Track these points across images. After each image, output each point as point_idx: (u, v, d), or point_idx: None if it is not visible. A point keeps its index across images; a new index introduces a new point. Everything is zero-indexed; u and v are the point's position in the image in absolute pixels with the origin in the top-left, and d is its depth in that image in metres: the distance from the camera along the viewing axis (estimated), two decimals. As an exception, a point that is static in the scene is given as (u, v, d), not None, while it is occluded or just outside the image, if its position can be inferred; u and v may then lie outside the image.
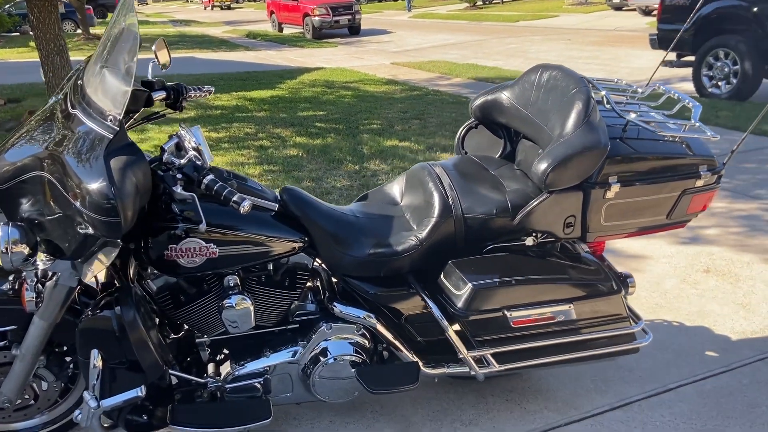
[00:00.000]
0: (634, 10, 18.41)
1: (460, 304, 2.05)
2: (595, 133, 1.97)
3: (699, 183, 2.09)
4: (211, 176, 1.80)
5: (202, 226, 1.83)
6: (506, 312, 2.06)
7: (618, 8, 19.60)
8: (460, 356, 2.13)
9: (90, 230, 1.68)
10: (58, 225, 1.78)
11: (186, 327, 2.21)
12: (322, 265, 2.25)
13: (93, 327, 1.93)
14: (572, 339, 2.15)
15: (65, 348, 2.14)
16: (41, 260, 1.87)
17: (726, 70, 7.70)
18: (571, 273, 2.13)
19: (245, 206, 1.76)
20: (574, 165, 1.94)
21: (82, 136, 1.73)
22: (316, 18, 17.58)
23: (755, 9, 7.30)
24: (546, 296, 2.09)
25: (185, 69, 10.78)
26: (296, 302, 2.24)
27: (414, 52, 13.82)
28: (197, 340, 2.18)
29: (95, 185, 1.62)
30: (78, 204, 1.66)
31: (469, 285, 2.04)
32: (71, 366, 2.17)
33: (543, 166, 1.95)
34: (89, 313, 1.96)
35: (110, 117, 1.70)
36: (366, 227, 2.19)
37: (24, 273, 1.93)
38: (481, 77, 10.00)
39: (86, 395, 1.88)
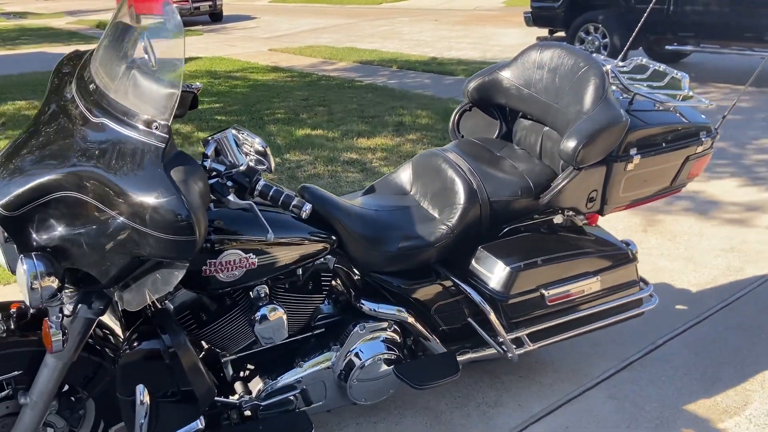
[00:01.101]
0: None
1: (499, 287, 2.04)
2: (615, 108, 2.03)
3: (699, 149, 2.22)
4: (263, 181, 1.63)
5: (270, 236, 1.66)
6: (543, 290, 2.09)
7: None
8: (500, 339, 2.12)
9: (147, 251, 1.47)
10: (93, 250, 1.54)
11: (207, 346, 2.01)
12: (343, 264, 2.15)
13: (138, 360, 1.71)
14: (597, 309, 2.22)
15: (66, 387, 1.88)
16: (66, 293, 1.61)
17: (596, 43, 8.27)
18: (592, 246, 2.20)
19: (306, 210, 1.62)
20: (601, 140, 1.98)
21: (122, 148, 1.50)
22: (174, 5, 16.59)
23: (619, -16, 7.90)
24: (577, 270, 2.14)
25: (40, 66, 9.75)
26: (320, 305, 2.12)
27: (287, 38, 13.51)
28: (223, 359, 2.00)
29: (161, 201, 1.41)
30: (137, 224, 1.44)
31: (508, 268, 2.03)
32: (79, 408, 1.90)
33: (573, 143, 1.98)
34: (127, 346, 1.72)
35: (156, 124, 1.49)
36: (390, 221, 2.11)
37: (45, 308, 1.68)
38: (365, 60, 10.00)
39: None
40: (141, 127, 1.50)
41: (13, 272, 1.62)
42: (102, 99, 1.58)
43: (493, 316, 2.07)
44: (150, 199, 1.41)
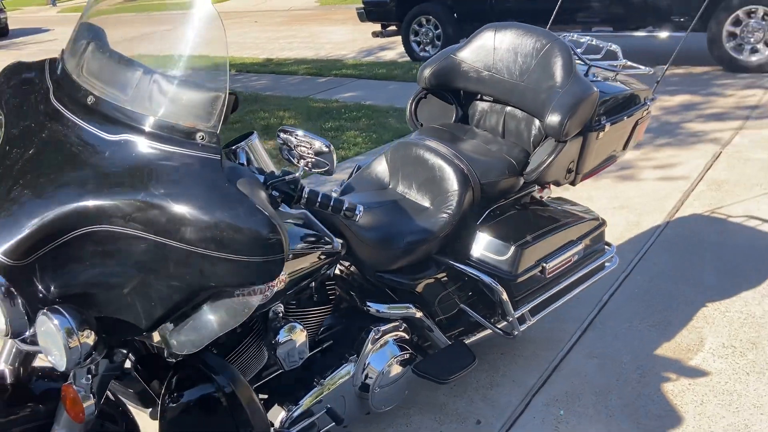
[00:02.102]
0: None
1: (509, 267, 2.05)
2: (586, 80, 2.12)
3: (645, 113, 2.40)
4: (308, 187, 1.46)
5: (338, 244, 1.49)
6: (543, 263, 2.13)
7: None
8: (509, 318, 2.13)
9: (219, 281, 1.26)
10: (132, 290, 1.29)
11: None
12: (343, 269, 2.02)
13: (191, 409, 1.47)
14: (580, 274, 2.32)
15: None
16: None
17: (430, 35, 8.63)
18: (571, 216, 2.29)
19: (359, 213, 1.49)
20: (580, 112, 2.06)
21: (165, 166, 1.26)
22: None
23: (446, -23, 8.30)
24: (566, 240, 2.21)
25: None
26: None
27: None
28: None
29: (242, 220, 1.21)
30: (209, 250, 1.22)
31: (513, 247, 2.05)
32: None
33: (558, 117, 2.03)
34: (170, 397, 1.46)
35: (201, 134, 1.27)
36: (389, 217, 2.03)
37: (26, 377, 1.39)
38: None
39: None
40: (182, 139, 1.28)
41: (17, 335, 1.30)
42: (113, 112, 1.32)
43: (504, 296, 2.07)
44: (226, 219, 1.21)
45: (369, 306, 1.99)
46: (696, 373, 2.38)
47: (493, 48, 2.30)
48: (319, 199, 1.46)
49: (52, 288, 1.29)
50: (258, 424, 1.54)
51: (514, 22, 2.32)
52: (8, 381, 1.55)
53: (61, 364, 1.27)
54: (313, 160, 1.42)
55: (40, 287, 1.29)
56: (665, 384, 2.34)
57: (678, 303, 2.81)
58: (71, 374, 1.38)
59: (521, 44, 2.23)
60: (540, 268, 2.12)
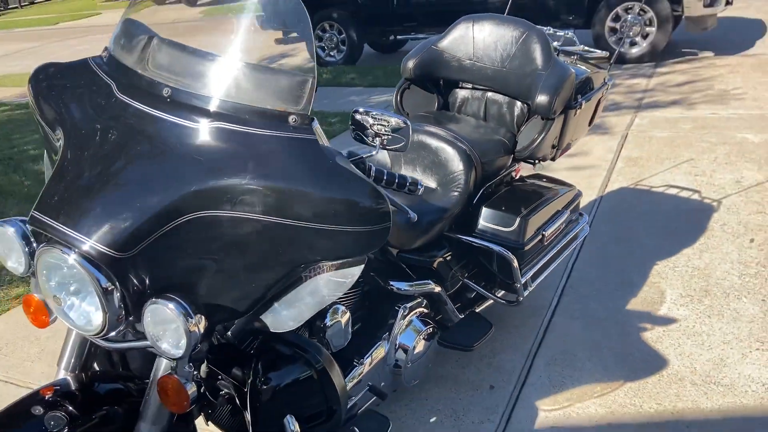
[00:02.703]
0: (180, 1, 18.64)
1: (515, 236, 2.21)
2: (564, 63, 2.34)
3: (604, 92, 2.66)
4: (373, 165, 1.53)
5: (413, 216, 1.56)
6: (542, 232, 2.31)
7: (161, 2, 19.52)
8: (517, 285, 2.28)
9: (327, 254, 1.32)
10: (237, 273, 1.31)
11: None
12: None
13: (284, 389, 1.49)
14: (565, 241, 2.53)
15: None
16: None
17: (335, 39, 8.75)
18: (553, 188, 2.49)
19: (421, 187, 1.58)
20: (564, 91, 2.27)
21: (265, 149, 1.29)
22: None
23: (348, -18, 8.47)
24: (555, 209, 2.41)
25: None
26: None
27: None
28: None
29: (355, 193, 1.28)
30: (322, 224, 1.27)
31: (518, 218, 2.21)
32: None
33: (546, 97, 2.23)
34: (260, 379, 1.47)
35: (293, 117, 1.31)
36: (405, 200, 2.11)
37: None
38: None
39: None
40: (276, 122, 1.31)
41: (110, 331, 1.29)
42: (196, 102, 1.33)
43: (515, 264, 2.22)
44: (338, 193, 1.27)
45: (392, 285, 2.07)
46: (666, 321, 2.67)
47: (472, 38, 2.46)
48: (385, 177, 1.54)
49: (155, 278, 1.29)
50: (343, 399, 1.59)
51: (489, 13, 2.50)
52: (73, 387, 1.51)
53: (177, 352, 1.27)
54: (390, 137, 1.49)
55: (143, 279, 1.28)
56: (643, 333, 2.61)
57: (632, 265, 3.11)
58: (170, 365, 1.36)
59: (500, 33, 2.41)
60: (540, 236, 2.30)
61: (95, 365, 1.62)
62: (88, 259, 1.24)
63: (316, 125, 1.61)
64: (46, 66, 1.61)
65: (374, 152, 1.51)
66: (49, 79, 1.55)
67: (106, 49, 1.57)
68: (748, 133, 4.57)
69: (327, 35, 8.71)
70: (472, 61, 2.46)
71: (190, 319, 1.23)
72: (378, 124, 1.49)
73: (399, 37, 8.73)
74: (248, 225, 1.27)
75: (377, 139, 1.50)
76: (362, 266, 1.40)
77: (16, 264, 1.47)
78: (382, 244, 1.36)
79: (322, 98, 7.03)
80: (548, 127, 2.30)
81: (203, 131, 1.31)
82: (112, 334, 1.34)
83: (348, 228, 1.28)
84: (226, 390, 1.66)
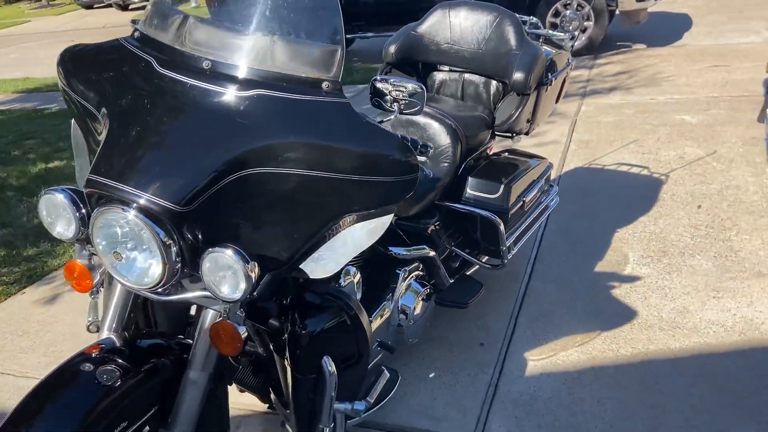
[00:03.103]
0: (110, 6, 18.23)
1: (501, 202, 2.41)
2: (535, 43, 2.55)
3: (569, 71, 2.90)
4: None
5: (429, 173, 1.71)
6: (523, 198, 2.52)
7: (89, 6, 19.02)
8: (503, 249, 2.47)
9: (363, 204, 1.47)
10: (281, 224, 1.45)
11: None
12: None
13: (322, 332, 1.63)
14: (540, 209, 2.75)
15: None
16: None
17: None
18: (527, 160, 2.71)
19: (431, 148, 1.74)
20: (537, 68, 2.49)
21: (304, 111, 1.42)
22: None
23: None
24: (532, 179, 2.62)
25: None
26: None
27: None
28: None
29: (388, 147, 1.44)
30: (360, 175, 1.42)
31: (502, 186, 2.41)
32: None
33: (522, 74, 2.44)
34: (298, 325, 1.60)
35: (326, 83, 1.45)
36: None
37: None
38: (24, 89, 8.88)
39: (341, 406, 1.68)
40: (311, 88, 1.45)
41: (167, 282, 1.40)
42: (235, 72, 1.45)
43: (502, 227, 2.41)
44: (374, 148, 1.42)
45: (391, 250, 2.23)
46: (631, 279, 2.92)
47: (449, 23, 2.65)
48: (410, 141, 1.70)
49: (210, 231, 1.41)
50: (371, 343, 1.74)
51: (462, 0, 2.69)
52: (117, 344, 1.60)
53: (236, 295, 1.39)
54: (407, 101, 1.65)
55: (198, 232, 1.40)
56: (612, 291, 2.85)
57: (594, 233, 3.37)
58: (217, 314, 1.49)
59: (475, 18, 2.61)
60: (521, 203, 2.51)
61: (133, 327, 1.72)
62: (148, 214, 1.35)
63: None
64: (74, 47, 1.71)
65: (392, 117, 1.66)
66: (81, 59, 1.65)
67: (136, 29, 1.67)
68: (685, 115, 4.95)
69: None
70: (449, 44, 2.65)
71: (247, 264, 1.36)
72: (396, 90, 1.65)
73: (347, 36, 8.90)
74: (292, 180, 1.41)
75: (395, 104, 1.65)
76: (392, 215, 1.55)
77: (63, 229, 1.56)
78: (410, 193, 1.51)
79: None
80: (524, 102, 2.51)
81: (246, 98, 1.44)
82: (166, 286, 1.45)
83: (382, 178, 1.44)
84: (250, 348, 1.79)
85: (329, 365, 1.64)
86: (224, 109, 1.44)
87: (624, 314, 2.68)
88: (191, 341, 1.61)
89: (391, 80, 1.64)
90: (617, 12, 7.33)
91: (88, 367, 1.51)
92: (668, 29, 7.93)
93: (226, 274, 1.39)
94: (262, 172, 1.40)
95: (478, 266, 2.60)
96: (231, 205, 1.42)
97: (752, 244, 3.08)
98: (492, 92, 2.66)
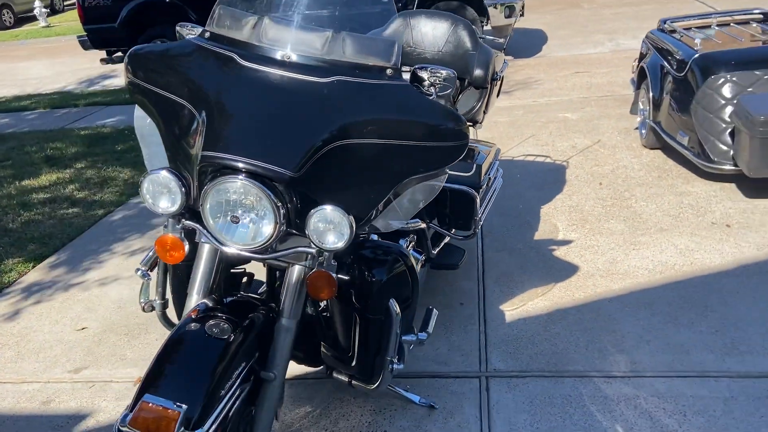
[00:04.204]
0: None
1: (475, 179, 2.84)
2: (486, 45, 3.03)
3: (505, 71, 3.41)
4: None
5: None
6: (488, 176, 2.98)
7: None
8: (476, 218, 2.90)
9: (426, 166, 1.80)
10: (365, 185, 1.77)
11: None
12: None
13: (390, 278, 1.93)
14: (495, 186, 3.23)
15: None
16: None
17: (167, 58, 8.80)
18: (480, 144, 3.18)
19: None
20: (491, 66, 2.96)
21: (377, 92, 1.76)
22: None
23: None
24: (491, 159, 3.09)
25: None
26: None
27: None
28: None
29: (446, 117, 1.79)
30: (426, 141, 1.76)
31: (474, 164, 2.85)
32: None
33: (482, 70, 2.90)
34: (369, 272, 1.90)
35: (389, 70, 1.78)
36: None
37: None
38: None
39: (408, 338, 2.07)
40: (378, 74, 1.78)
41: (276, 238, 1.68)
42: (315, 63, 1.76)
43: (477, 200, 2.84)
44: (436, 119, 1.78)
45: (392, 223, 2.59)
46: (566, 242, 3.49)
47: (410, 30, 3.06)
48: None
49: (310, 194, 1.69)
50: (420, 287, 2.08)
51: (420, 9, 3.11)
52: (211, 306, 1.82)
53: (339, 244, 1.67)
54: (441, 84, 2.02)
55: (303, 194, 1.68)
56: (554, 252, 3.40)
57: (524, 211, 3.93)
58: (304, 270, 1.80)
59: (434, 24, 3.04)
60: (488, 179, 2.97)
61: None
62: (262, 181, 1.62)
63: None
64: (140, 48, 1.91)
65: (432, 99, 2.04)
66: (153, 57, 1.88)
67: (204, 30, 1.91)
68: (566, 113, 5.74)
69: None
70: (411, 47, 3.06)
71: (348, 217, 1.66)
72: (433, 76, 2.02)
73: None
74: (371, 148, 1.74)
75: (432, 88, 2.02)
76: (446, 176, 1.92)
77: (168, 204, 1.76)
78: (462, 155, 1.88)
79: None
80: (484, 95, 2.98)
81: (327, 84, 1.74)
82: (272, 244, 1.71)
83: (441, 143, 1.80)
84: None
85: (395, 306, 1.97)
86: (312, 93, 1.74)
87: (569, 268, 3.22)
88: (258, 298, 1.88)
89: (429, 68, 2.02)
90: (488, 27, 8.17)
91: (196, 326, 1.72)
92: (529, 43, 8.92)
93: (331, 227, 1.67)
94: (349, 143, 1.72)
95: (449, 238, 3.01)
96: (326, 172, 1.71)
97: (650, 208, 3.78)
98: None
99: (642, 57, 4.92)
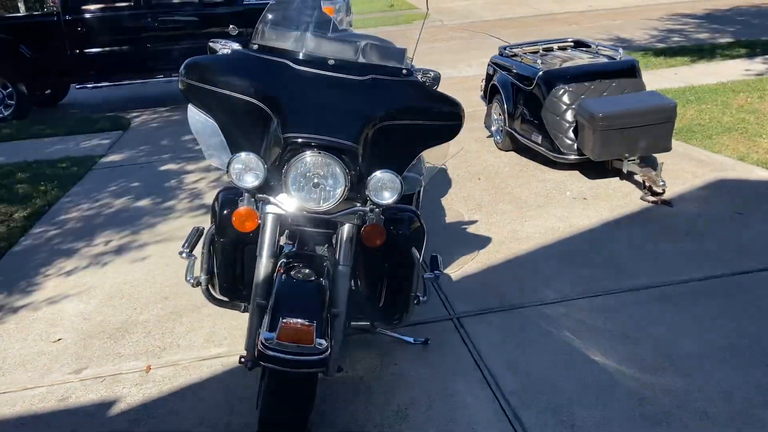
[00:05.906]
0: None
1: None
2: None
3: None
4: None
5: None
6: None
7: None
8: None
9: (432, 142, 2.43)
10: (395, 154, 2.34)
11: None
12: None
13: (411, 232, 2.48)
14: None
15: None
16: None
17: (0, 95, 8.31)
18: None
19: None
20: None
21: (402, 87, 2.36)
22: None
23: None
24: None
25: None
26: None
27: None
28: None
29: (449, 103, 2.42)
30: (436, 121, 2.37)
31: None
32: None
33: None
34: (394, 227, 2.42)
35: (404, 71, 2.37)
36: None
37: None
38: None
39: (428, 275, 2.59)
40: (398, 73, 2.38)
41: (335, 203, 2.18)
42: (354, 65, 2.33)
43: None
44: (443, 105, 2.42)
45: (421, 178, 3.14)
46: (472, 222, 4.26)
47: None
48: None
49: (365, 161, 2.21)
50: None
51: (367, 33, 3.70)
52: (295, 260, 2.25)
53: (392, 200, 2.19)
54: (429, 83, 2.66)
55: (359, 163, 2.19)
56: (467, 229, 4.14)
57: (430, 203, 4.64)
58: (352, 229, 2.27)
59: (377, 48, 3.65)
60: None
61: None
62: (335, 153, 2.11)
63: None
64: (195, 60, 2.34)
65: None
66: (208, 66, 2.34)
67: (250, 42, 2.37)
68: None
69: (-4, 92, 8.24)
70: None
71: (399, 177, 2.20)
72: (423, 76, 2.65)
73: (76, 85, 8.68)
74: (402, 127, 2.34)
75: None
76: (451, 140, 2.53)
77: (252, 178, 2.16)
78: (459, 131, 2.50)
79: (24, 150, 6.89)
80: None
81: (364, 81, 2.32)
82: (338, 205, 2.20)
83: (446, 122, 2.43)
84: None
85: (417, 253, 2.51)
86: (356, 88, 2.30)
87: (484, 239, 3.98)
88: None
89: (421, 70, 2.65)
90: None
91: (295, 273, 2.19)
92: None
93: (387, 185, 2.20)
94: (385, 124, 2.29)
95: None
96: (372, 147, 2.27)
97: (525, 193, 4.71)
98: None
99: (489, 77, 5.96)
